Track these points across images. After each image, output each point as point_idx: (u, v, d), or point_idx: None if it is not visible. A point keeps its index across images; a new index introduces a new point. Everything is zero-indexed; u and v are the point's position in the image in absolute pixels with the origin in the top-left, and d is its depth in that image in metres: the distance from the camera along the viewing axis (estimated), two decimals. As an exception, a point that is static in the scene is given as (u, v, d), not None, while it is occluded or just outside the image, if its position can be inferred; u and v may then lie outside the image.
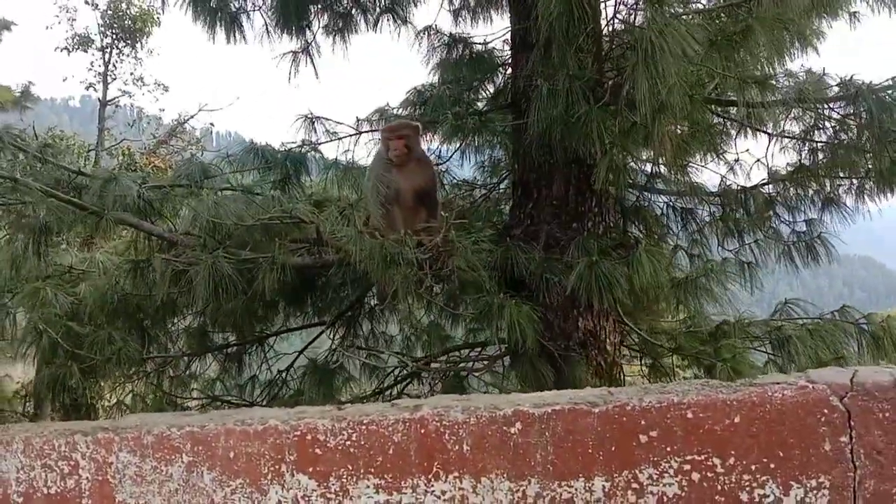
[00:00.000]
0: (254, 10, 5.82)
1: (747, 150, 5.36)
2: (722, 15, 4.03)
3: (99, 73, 16.64)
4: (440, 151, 5.64)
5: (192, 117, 16.92)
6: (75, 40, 16.52)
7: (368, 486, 2.11)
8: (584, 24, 3.37)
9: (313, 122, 5.44)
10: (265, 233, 3.89)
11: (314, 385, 4.56)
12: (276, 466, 2.20)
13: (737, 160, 5.47)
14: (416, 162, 4.30)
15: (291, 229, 3.99)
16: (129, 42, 16.55)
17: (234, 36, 5.83)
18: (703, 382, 2.11)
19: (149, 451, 2.35)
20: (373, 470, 2.12)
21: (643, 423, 2.00)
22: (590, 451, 2.01)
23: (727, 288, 4.36)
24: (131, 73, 16.93)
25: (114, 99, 17.00)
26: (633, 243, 4.14)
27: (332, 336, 5.08)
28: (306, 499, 2.15)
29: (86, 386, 5.11)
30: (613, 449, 2.00)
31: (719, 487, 1.92)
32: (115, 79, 16.82)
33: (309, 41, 5.98)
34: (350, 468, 2.14)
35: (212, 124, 19.27)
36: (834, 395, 1.94)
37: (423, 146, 4.77)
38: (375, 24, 6.17)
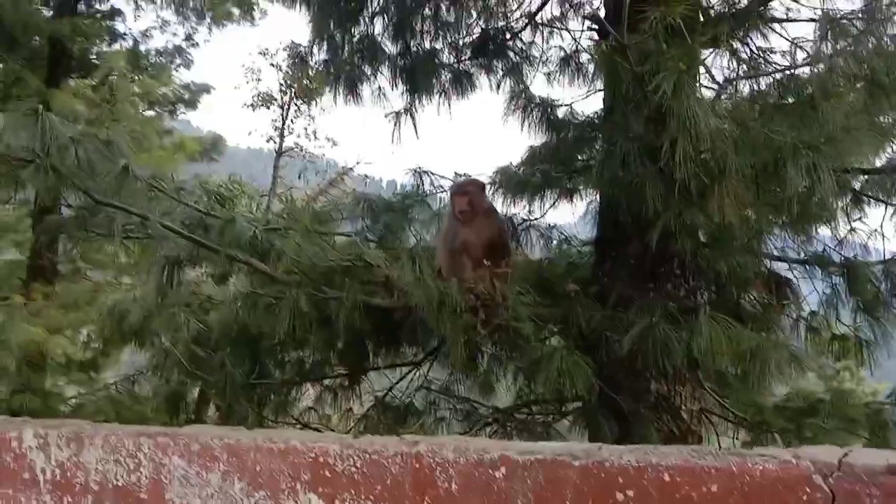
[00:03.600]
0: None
1: (859, 218, 5.06)
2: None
3: (278, 127, 18.56)
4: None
5: (350, 169, 18.39)
6: (259, 98, 18.58)
7: (366, 512, 2.29)
8: (639, 89, 3.43)
9: (421, 176, 5.84)
10: (344, 274, 4.24)
11: (388, 427, 4.79)
12: (293, 483, 2.43)
13: (851, 230, 5.18)
14: (484, 215, 4.56)
15: (365, 272, 4.31)
16: (304, 100, 18.35)
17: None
18: (692, 448, 2.11)
19: (195, 457, 2.67)
20: (372, 497, 2.29)
21: (621, 481, 2.02)
22: (567, 503, 2.07)
23: (804, 366, 4.09)
24: (305, 128, 18.78)
25: (288, 150, 18.85)
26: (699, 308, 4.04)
27: (413, 378, 5.31)
28: (314, 516, 2.36)
29: (199, 404, 5.69)
30: None
31: (691, 556, 1.90)
32: (291, 132, 18.75)
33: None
34: (353, 493, 2.32)
35: (366, 176, 20.73)
36: (818, 473, 1.86)
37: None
38: (498, 87, 6.50)
